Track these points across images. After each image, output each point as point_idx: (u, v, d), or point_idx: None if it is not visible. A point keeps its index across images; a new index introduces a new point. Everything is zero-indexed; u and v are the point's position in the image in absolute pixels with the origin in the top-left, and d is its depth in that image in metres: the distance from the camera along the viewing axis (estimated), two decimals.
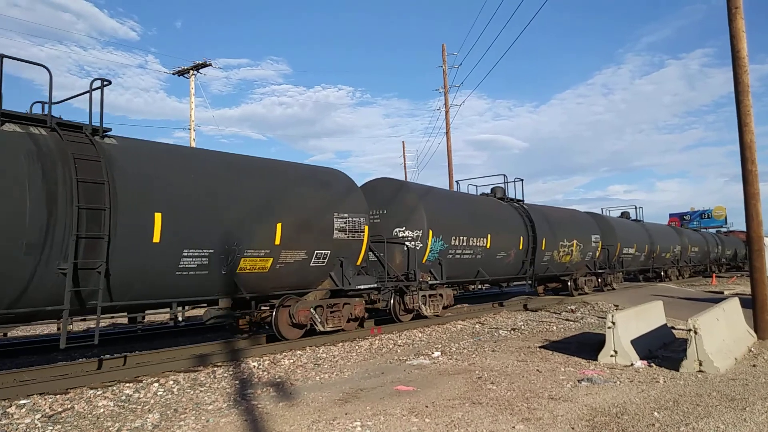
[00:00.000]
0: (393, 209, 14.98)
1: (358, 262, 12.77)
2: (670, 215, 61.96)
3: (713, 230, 55.53)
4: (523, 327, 14.15)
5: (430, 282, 14.88)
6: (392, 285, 14.13)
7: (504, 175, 20.97)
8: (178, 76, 30.49)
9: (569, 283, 22.17)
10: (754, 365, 8.56)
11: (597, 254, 24.08)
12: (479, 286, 21.68)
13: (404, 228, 14.68)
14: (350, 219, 12.34)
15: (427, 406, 6.71)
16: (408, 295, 14.35)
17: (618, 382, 7.68)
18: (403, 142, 66.76)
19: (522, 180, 26.15)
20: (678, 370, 8.15)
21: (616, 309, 15.65)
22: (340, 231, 12.03)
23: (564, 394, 7.11)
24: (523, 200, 21.36)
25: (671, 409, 6.29)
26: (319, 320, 11.70)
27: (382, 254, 14.23)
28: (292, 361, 10.00)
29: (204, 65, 29.96)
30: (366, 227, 12.76)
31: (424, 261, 14.62)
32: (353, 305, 12.63)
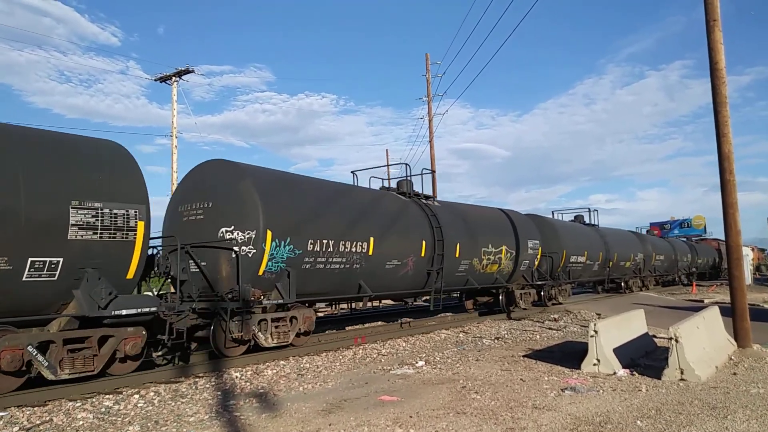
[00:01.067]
0: (221, 202, 11.18)
1: (130, 275, 9.01)
2: (651, 224, 62.60)
3: (683, 238, 54.58)
4: (506, 336, 14.18)
5: (271, 301, 11.18)
6: (203, 306, 10.66)
7: (406, 165, 16.71)
8: (160, 82, 30.24)
9: (500, 298, 19.17)
10: (734, 373, 8.65)
11: (536, 263, 20.43)
12: (370, 304, 17.63)
13: (233, 227, 10.92)
14: (107, 211, 8.56)
15: (411, 417, 6.68)
16: (233, 321, 10.51)
17: (601, 391, 7.71)
18: (386, 150, 66.71)
19: (433, 172, 25.99)
20: (660, 379, 8.21)
21: (599, 318, 15.76)
22: (83, 228, 8.28)
23: (548, 404, 7.12)
24: (434, 197, 18.06)
25: (654, 418, 6.32)
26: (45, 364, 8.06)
27: (204, 263, 11.09)
28: (275, 371, 9.91)
29: (186, 72, 29.76)
30: (140, 224, 8.98)
31: (261, 273, 10.91)
32: (120, 339, 8.90)
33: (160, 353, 10.38)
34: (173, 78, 29.96)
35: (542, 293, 20.95)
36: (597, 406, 6.90)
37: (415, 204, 15.76)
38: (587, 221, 28.54)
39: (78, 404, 7.64)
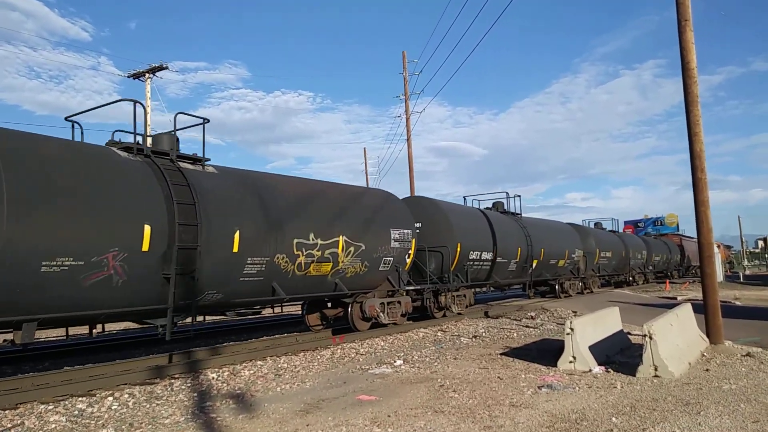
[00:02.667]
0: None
1: (406, 268, 15.38)
2: (625, 222, 63.41)
3: (654, 236, 51.68)
4: (484, 334, 14.26)
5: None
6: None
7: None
8: (133, 79, 29.79)
9: (349, 310, 14.07)
10: (707, 369, 8.81)
11: (408, 260, 15.22)
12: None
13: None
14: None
15: (389, 416, 6.68)
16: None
17: (577, 388, 7.79)
18: (364, 148, 66.67)
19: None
20: (635, 375, 8.32)
21: (575, 315, 15.92)
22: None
23: (525, 401, 7.17)
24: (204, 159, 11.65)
25: (629, 414, 6.40)
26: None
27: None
28: (252, 371, 9.83)
29: (160, 68, 29.34)
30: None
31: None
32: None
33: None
34: (147, 75, 29.52)
35: (427, 301, 16.34)
36: (573, 404, 6.97)
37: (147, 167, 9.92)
38: (507, 209, 23.33)
39: (50, 407, 7.49)
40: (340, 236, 12.94)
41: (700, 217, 11.07)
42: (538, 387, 7.93)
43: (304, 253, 11.99)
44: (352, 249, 13.31)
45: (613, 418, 6.25)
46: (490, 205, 23.53)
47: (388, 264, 14.63)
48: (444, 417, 6.56)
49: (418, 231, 16.43)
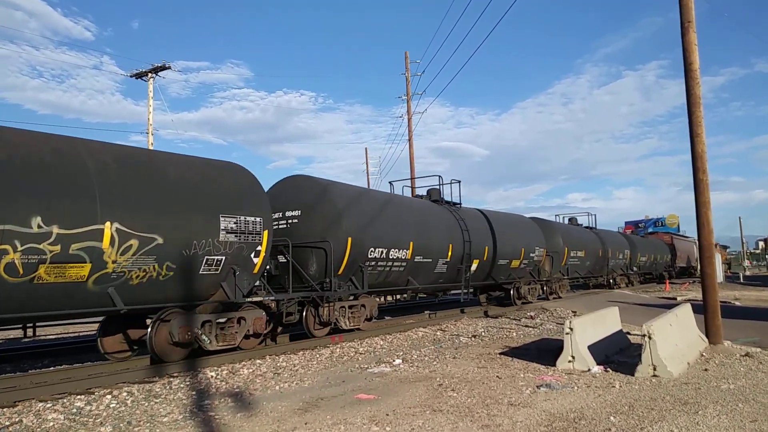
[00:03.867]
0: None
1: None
2: (626, 223, 63.36)
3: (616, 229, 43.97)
4: (483, 334, 14.25)
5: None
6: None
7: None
8: (136, 78, 29.85)
9: (149, 332, 9.94)
10: (705, 369, 8.80)
11: (256, 262, 11.06)
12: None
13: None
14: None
15: (387, 414, 6.67)
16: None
17: (576, 388, 7.78)
18: (366, 148, 66.92)
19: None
20: (633, 375, 8.31)
21: (575, 315, 15.92)
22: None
23: (523, 400, 7.17)
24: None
25: (627, 414, 6.40)
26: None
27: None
28: (251, 370, 9.83)
29: (163, 68, 29.42)
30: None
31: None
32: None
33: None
34: (149, 74, 29.59)
35: (299, 314, 12.74)
36: (571, 403, 6.96)
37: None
38: (441, 197, 19.21)
39: (48, 405, 7.49)
40: (108, 223, 8.67)
41: (701, 218, 11.06)
42: (537, 386, 7.92)
43: (20, 248, 7.71)
44: (134, 243, 9.03)
45: (612, 418, 6.24)
46: (425, 193, 19.49)
47: (218, 266, 10.34)
48: (442, 416, 6.56)
49: (295, 221, 13.38)
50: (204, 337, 10.26)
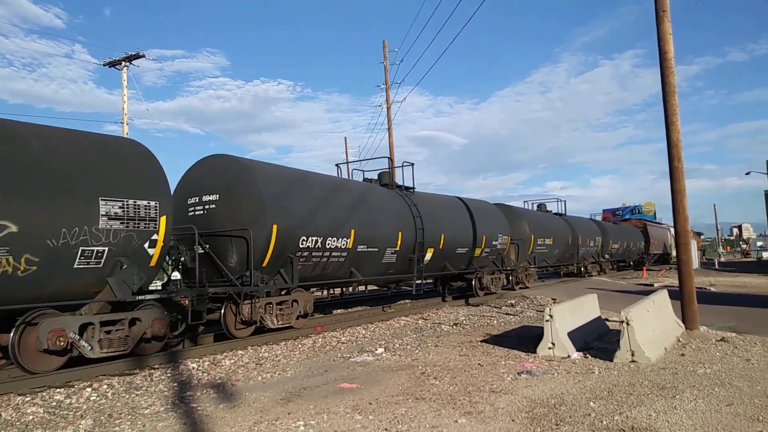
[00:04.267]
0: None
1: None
2: (604, 211, 63.93)
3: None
4: (464, 322, 14.36)
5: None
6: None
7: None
8: (109, 67, 29.35)
9: (12, 337, 8.42)
10: (682, 354, 8.97)
11: (153, 254, 9.73)
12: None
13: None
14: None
15: (370, 403, 6.71)
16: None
17: (556, 374, 7.89)
18: (345, 137, 66.48)
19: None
20: (612, 361, 8.44)
21: (554, 303, 16.10)
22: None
23: (504, 387, 7.25)
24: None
25: (606, 399, 6.50)
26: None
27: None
28: (233, 361, 9.80)
29: (137, 56, 28.94)
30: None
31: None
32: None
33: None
34: (123, 63, 29.12)
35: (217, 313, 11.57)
36: (552, 389, 7.05)
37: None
38: (392, 181, 17.53)
39: (27, 398, 7.40)
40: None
41: (677, 205, 11.22)
42: (518, 373, 8.01)
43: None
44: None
45: (591, 403, 6.34)
46: (376, 177, 17.83)
47: (99, 258, 8.87)
48: (425, 404, 6.60)
49: (212, 206, 11.84)
50: (83, 342, 8.74)
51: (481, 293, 20.31)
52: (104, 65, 29.49)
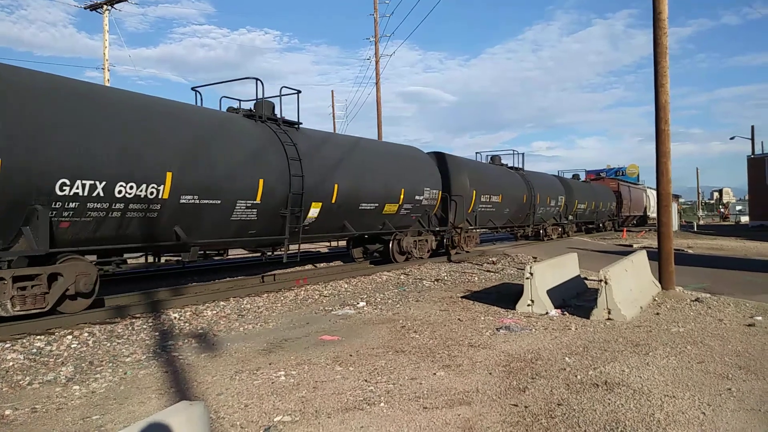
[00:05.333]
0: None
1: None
2: (586, 172, 63.78)
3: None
4: (446, 278, 14.51)
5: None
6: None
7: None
8: (90, 10, 28.39)
9: None
10: (657, 313, 9.17)
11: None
12: None
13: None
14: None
15: (351, 355, 6.80)
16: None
17: (533, 330, 8.03)
18: (332, 91, 65.51)
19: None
20: (589, 318, 8.61)
21: (535, 261, 16.30)
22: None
23: (483, 342, 7.38)
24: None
25: (581, 354, 6.65)
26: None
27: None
28: (215, 312, 9.85)
29: (119, 0, 28.05)
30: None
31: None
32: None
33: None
34: (104, 6, 28.18)
35: None
36: (529, 344, 7.20)
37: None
38: (262, 113, 12.76)
39: (7, 345, 7.38)
40: None
41: (661, 168, 11.27)
42: (497, 329, 8.15)
43: None
44: None
45: (567, 358, 6.48)
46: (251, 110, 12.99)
47: None
48: (404, 356, 6.71)
49: None
50: None
51: (401, 258, 17.08)
52: (85, 8, 28.51)
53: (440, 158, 20.30)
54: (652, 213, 55.79)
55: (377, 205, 15.50)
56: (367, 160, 15.42)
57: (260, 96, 12.88)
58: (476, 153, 27.20)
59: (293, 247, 13.06)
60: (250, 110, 12.88)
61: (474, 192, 20.52)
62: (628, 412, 4.79)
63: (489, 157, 26.38)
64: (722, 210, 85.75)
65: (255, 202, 11.60)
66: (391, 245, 16.86)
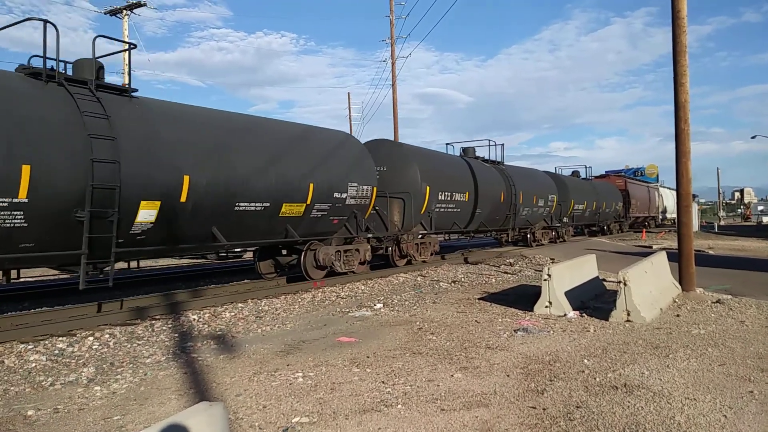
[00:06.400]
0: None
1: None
2: (606, 172, 63.04)
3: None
4: (463, 279, 14.47)
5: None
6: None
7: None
8: (110, 15, 28.79)
9: None
10: (677, 315, 9.06)
11: None
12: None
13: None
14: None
15: (368, 357, 6.81)
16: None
17: (551, 332, 7.98)
18: (348, 93, 65.91)
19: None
20: (607, 320, 8.53)
21: (553, 262, 16.19)
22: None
23: (501, 344, 7.35)
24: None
25: (600, 357, 6.59)
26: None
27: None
28: (233, 314, 9.92)
29: (138, 5, 28.36)
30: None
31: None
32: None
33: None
34: (124, 11, 28.54)
35: None
36: (547, 346, 7.15)
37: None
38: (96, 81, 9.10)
39: (30, 346, 7.51)
40: None
41: (681, 168, 11.14)
42: (514, 330, 8.11)
43: None
44: None
45: (585, 360, 6.43)
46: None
47: None
48: (422, 358, 6.70)
49: None
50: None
51: (317, 275, 13.48)
52: (105, 14, 28.92)
53: (381, 145, 16.92)
54: (669, 214, 53.29)
55: (268, 205, 11.51)
56: (254, 145, 11.49)
57: (48, 45, 8.57)
58: (447, 144, 23.64)
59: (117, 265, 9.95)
60: (51, 69, 8.70)
61: (427, 189, 16.34)
62: (648, 414, 4.74)
63: (461, 149, 22.22)
64: (743, 210, 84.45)
65: (17, 200, 7.68)
66: (303, 258, 13.02)
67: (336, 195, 13.39)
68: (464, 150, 22.24)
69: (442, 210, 17.48)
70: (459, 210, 18.53)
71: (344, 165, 13.86)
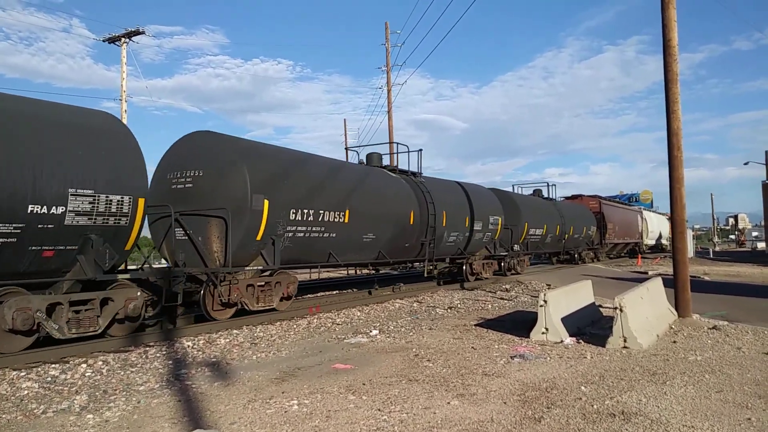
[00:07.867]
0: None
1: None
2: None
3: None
4: (459, 305, 14.43)
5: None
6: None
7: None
8: (108, 43, 29.09)
9: None
10: (674, 341, 9.04)
11: None
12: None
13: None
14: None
15: (364, 384, 6.76)
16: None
17: (548, 359, 7.95)
18: (344, 119, 66.48)
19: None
20: (604, 347, 8.51)
21: (549, 288, 16.18)
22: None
23: (497, 371, 7.31)
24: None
25: (597, 383, 6.56)
26: None
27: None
28: (228, 340, 9.85)
29: (137, 33, 28.69)
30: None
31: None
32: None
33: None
34: (123, 39, 28.85)
35: None
36: (544, 373, 7.11)
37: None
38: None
39: (22, 373, 7.43)
40: None
41: (675, 194, 11.24)
42: (511, 357, 8.07)
43: None
44: None
45: (582, 387, 6.40)
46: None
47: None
48: (418, 385, 6.66)
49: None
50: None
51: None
52: (104, 41, 29.22)
53: (195, 141, 12.02)
54: (649, 240, 48.29)
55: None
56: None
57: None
58: (346, 149, 20.35)
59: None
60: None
61: (265, 203, 11.41)
62: None
63: (366, 156, 17.92)
64: (738, 235, 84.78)
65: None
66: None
67: (32, 209, 8.03)
68: (369, 156, 17.75)
69: (301, 235, 12.44)
70: (334, 235, 13.39)
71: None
